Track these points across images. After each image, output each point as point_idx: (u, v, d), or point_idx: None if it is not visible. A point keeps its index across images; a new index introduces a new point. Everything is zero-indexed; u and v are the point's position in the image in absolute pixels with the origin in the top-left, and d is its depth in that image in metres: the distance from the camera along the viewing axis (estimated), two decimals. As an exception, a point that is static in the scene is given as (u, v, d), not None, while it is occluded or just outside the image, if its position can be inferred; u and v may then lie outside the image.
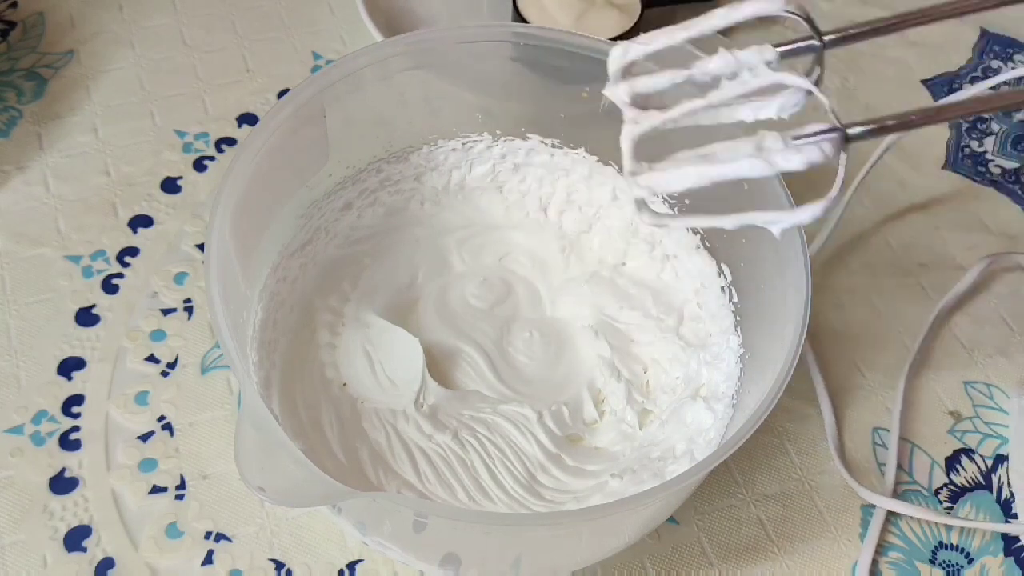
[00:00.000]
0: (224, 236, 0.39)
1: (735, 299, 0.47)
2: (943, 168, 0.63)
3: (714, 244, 0.49)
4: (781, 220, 0.32)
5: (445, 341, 0.49)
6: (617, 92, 0.33)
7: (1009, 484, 0.49)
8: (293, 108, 0.43)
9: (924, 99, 0.66)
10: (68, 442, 0.47)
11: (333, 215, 0.50)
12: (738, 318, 0.47)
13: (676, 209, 0.50)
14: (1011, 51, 0.70)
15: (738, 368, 0.45)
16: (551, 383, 0.49)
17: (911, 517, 0.47)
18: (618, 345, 0.49)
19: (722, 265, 0.48)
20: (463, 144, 0.51)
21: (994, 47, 0.70)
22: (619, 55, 0.33)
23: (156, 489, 0.46)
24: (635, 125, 0.33)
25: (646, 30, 0.34)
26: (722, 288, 0.48)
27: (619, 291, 0.51)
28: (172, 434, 0.47)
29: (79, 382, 0.49)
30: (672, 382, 0.48)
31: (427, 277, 0.51)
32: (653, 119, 0.32)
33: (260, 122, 0.42)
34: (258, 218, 0.44)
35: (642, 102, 0.33)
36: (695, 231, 0.49)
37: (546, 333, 0.50)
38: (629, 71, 0.33)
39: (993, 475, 0.50)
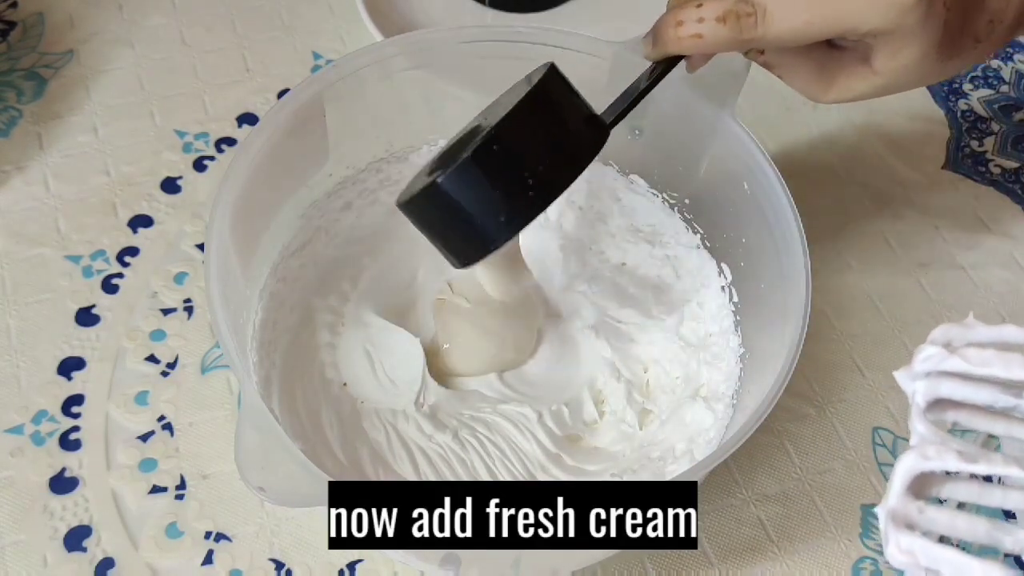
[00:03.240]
0: (224, 236, 0.39)
1: (735, 299, 0.47)
2: (943, 168, 0.63)
3: (714, 244, 0.49)
4: None
5: None
6: (912, 387, 0.27)
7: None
8: (293, 108, 0.43)
9: (924, 98, 0.66)
10: (68, 442, 0.47)
11: (333, 215, 0.50)
12: (738, 318, 0.47)
13: (676, 210, 0.50)
14: (1011, 50, 0.70)
15: (738, 368, 0.45)
16: (551, 383, 0.49)
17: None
18: (618, 345, 0.49)
19: (722, 265, 0.48)
20: (463, 144, 0.51)
21: (994, 47, 0.70)
22: (935, 359, 0.27)
23: (156, 489, 0.46)
24: (923, 459, 0.26)
25: None
26: (722, 288, 0.48)
27: (620, 291, 0.51)
28: (172, 434, 0.47)
29: (79, 382, 0.49)
30: (672, 382, 0.48)
31: (427, 276, 0.51)
32: (949, 460, 0.26)
33: (260, 122, 0.42)
34: (258, 218, 0.44)
35: (939, 411, 0.27)
36: (695, 230, 0.50)
37: (547, 333, 0.50)
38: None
39: (993, 475, 0.49)
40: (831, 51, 0.39)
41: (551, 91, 0.36)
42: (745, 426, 0.36)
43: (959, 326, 0.28)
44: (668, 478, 0.43)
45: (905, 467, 0.27)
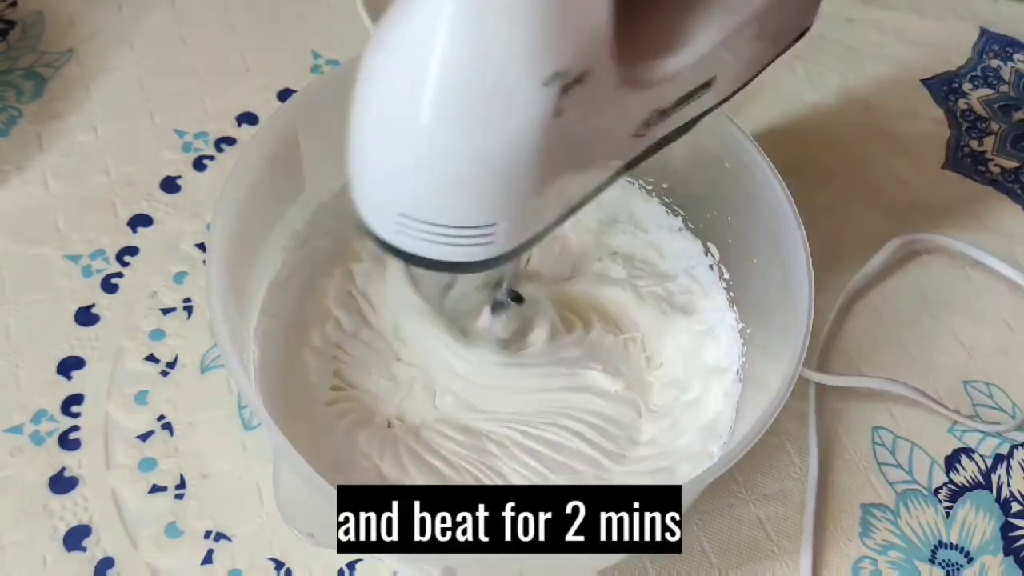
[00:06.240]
0: (225, 239, 0.38)
1: (726, 275, 0.47)
2: (943, 168, 0.63)
3: (697, 225, 0.49)
4: None
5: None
6: None
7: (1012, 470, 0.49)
8: (299, 103, 0.43)
9: (924, 98, 0.66)
10: (68, 441, 0.47)
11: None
12: (732, 294, 0.47)
13: (654, 195, 0.50)
14: (1011, 50, 0.70)
15: (739, 342, 0.46)
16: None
17: (911, 516, 0.48)
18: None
19: (708, 244, 0.48)
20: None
21: (994, 46, 0.70)
22: None
23: (156, 488, 0.46)
24: None
25: None
26: (711, 267, 0.48)
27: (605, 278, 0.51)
28: (172, 433, 0.47)
29: (79, 381, 0.49)
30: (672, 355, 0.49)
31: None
32: None
33: (262, 122, 0.42)
34: (260, 218, 0.44)
35: None
36: (675, 212, 0.50)
37: None
38: None
39: (993, 474, 0.50)
40: None
41: None
42: (774, 401, 0.36)
43: None
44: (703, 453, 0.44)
45: None
